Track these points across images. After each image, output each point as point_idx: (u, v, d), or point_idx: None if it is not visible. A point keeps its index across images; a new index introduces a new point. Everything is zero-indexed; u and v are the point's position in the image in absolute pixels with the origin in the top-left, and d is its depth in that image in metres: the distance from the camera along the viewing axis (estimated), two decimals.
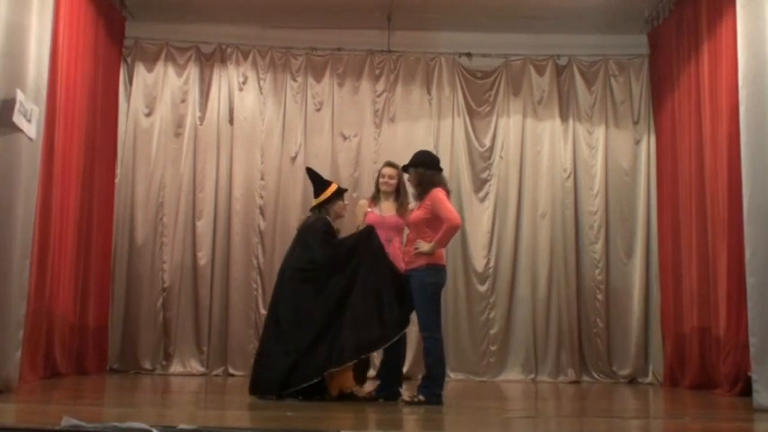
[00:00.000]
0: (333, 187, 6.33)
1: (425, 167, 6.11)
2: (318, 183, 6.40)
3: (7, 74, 5.64)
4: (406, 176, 6.35)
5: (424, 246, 5.88)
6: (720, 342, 7.17)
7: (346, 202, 6.47)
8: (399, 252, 6.21)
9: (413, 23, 9.22)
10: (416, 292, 5.92)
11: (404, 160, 9.10)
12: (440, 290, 6.03)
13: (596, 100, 9.44)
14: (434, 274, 5.94)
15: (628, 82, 9.43)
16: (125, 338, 8.94)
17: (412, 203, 6.32)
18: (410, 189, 6.33)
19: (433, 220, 5.94)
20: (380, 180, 6.46)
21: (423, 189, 6.03)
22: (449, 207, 6.00)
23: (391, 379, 6.16)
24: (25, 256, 6.02)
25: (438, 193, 5.99)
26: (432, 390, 5.85)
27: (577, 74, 9.49)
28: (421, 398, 5.83)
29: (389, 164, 6.60)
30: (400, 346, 6.15)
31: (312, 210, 6.39)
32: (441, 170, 6.23)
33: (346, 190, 6.55)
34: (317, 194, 6.35)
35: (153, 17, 9.20)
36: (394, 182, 6.40)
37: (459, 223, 6.07)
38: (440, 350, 5.94)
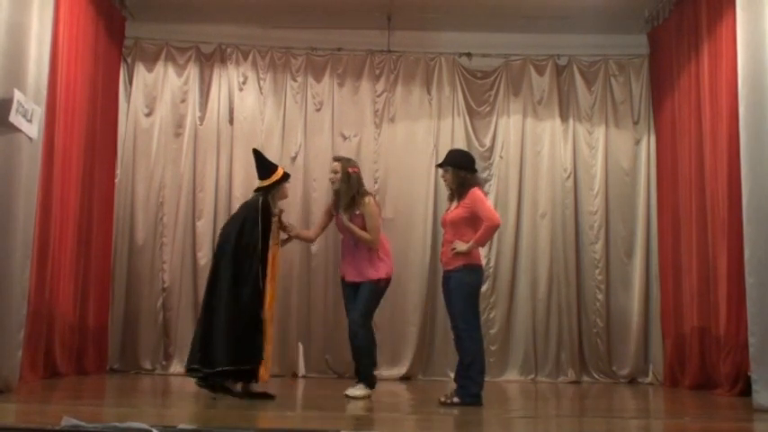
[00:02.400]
0: (280, 171, 6.34)
1: (466, 170, 6.18)
2: (265, 166, 6.39)
3: (7, 74, 5.64)
4: (440, 173, 6.41)
5: (462, 246, 5.97)
6: (720, 342, 7.17)
7: (289, 184, 6.59)
8: (354, 256, 6.38)
9: (413, 23, 9.21)
10: (454, 291, 6.00)
11: (404, 160, 9.30)
12: (478, 290, 6.16)
13: (596, 100, 9.44)
14: (472, 273, 6.05)
15: (628, 82, 9.42)
16: (125, 338, 8.94)
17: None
18: (446, 187, 6.38)
19: (473, 219, 6.04)
20: (329, 177, 6.64)
21: (463, 190, 6.11)
22: (489, 207, 6.20)
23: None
24: (26, 256, 6.01)
25: (478, 192, 6.13)
26: (469, 390, 5.85)
27: (577, 74, 9.48)
28: (455, 399, 5.84)
29: (335, 158, 6.78)
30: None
31: (256, 191, 6.34)
32: (476, 171, 6.35)
33: (290, 175, 6.60)
34: (262, 177, 6.32)
35: (153, 17, 9.20)
36: (336, 176, 6.48)
37: (498, 223, 6.14)
38: (477, 349, 5.94)
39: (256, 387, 6.03)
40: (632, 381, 8.96)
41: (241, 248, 5.98)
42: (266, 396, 5.96)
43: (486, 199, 6.27)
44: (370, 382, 6.36)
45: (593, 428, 4.90)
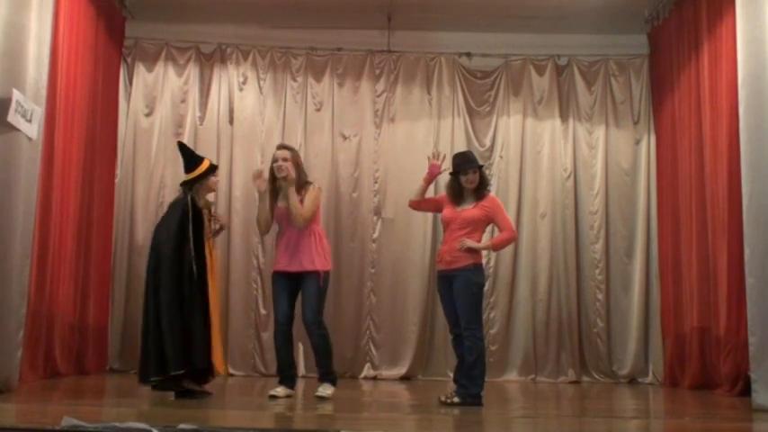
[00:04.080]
0: (206, 163, 6.23)
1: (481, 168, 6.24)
2: (190, 158, 6.28)
3: (7, 74, 5.64)
4: (469, 174, 6.15)
5: (473, 243, 5.95)
6: (720, 342, 7.17)
7: (218, 178, 6.39)
8: (293, 246, 6.14)
9: (413, 23, 9.22)
10: (461, 290, 5.93)
11: (404, 160, 9.28)
12: (483, 289, 6.13)
13: (596, 100, 9.44)
14: (480, 273, 6.03)
15: (628, 82, 9.43)
16: (125, 338, 8.94)
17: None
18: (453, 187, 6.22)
19: (487, 223, 6.12)
20: (273, 165, 6.28)
21: (482, 190, 6.12)
22: (509, 217, 6.30)
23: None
24: (25, 256, 6.02)
25: (498, 200, 6.25)
26: (469, 390, 5.82)
27: (577, 74, 9.49)
28: (456, 399, 5.82)
29: (282, 145, 6.47)
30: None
31: (182, 185, 6.25)
32: None
33: (217, 166, 6.45)
34: (188, 170, 6.21)
35: (153, 17, 9.20)
36: (286, 163, 6.21)
37: (517, 236, 6.28)
38: (481, 349, 5.92)
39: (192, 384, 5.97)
40: (632, 381, 8.96)
41: (176, 250, 5.88)
42: (204, 393, 5.92)
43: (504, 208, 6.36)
44: (334, 380, 6.24)
45: (593, 428, 4.89)
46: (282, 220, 6.27)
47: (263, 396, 6.24)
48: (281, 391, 6.12)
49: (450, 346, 8.07)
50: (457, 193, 6.17)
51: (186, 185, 6.17)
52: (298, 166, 6.29)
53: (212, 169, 6.24)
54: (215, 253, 6.24)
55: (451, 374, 8.33)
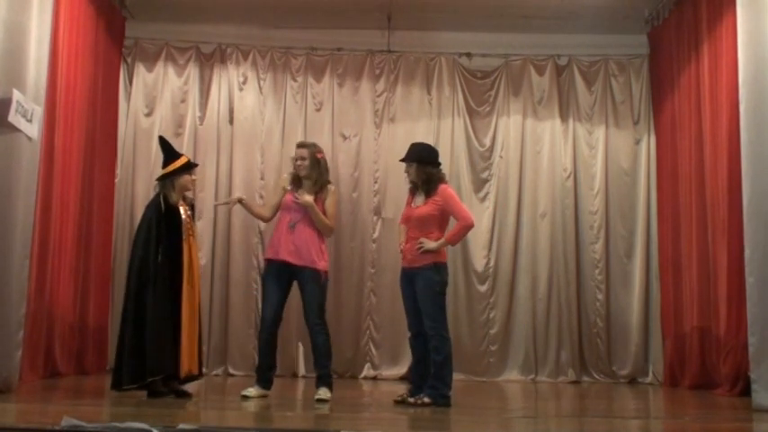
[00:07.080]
0: (182, 160, 6.15)
1: (432, 165, 6.04)
2: (169, 153, 6.20)
3: (7, 74, 5.64)
4: (404, 167, 6.17)
5: (431, 243, 5.84)
6: (720, 342, 7.17)
7: (194, 177, 6.26)
8: (296, 237, 6.10)
9: (413, 23, 9.22)
10: (423, 290, 5.86)
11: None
12: (445, 288, 6.00)
13: (596, 100, 9.44)
14: (441, 272, 5.91)
15: (628, 82, 9.43)
16: None
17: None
18: (406, 181, 6.24)
19: (442, 217, 5.93)
20: (295, 164, 6.36)
21: (431, 186, 5.97)
22: (463, 206, 6.08)
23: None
24: (25, 256, 6.02)
25: (450, 190, 6.01)
26: (439, 390, 5.75)
27: (577, 74, 9.49)
28: (426, 399, 5.73)
29: (300, 144, 6.54)
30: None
31: (157, 180, 6.18)
32: (440, 164, 6.17)
33: (197, 165, 6.46)
34: (165, 165, 6.14)
35: (153, 17, 9.20)
36: (304, 162, 6.25)
37: (473, 223, 5.99)
38: (448, 349, 5.84)
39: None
40: (632, 381, 8.96)
41: (148, 251, 5.82)
42: (184, 394, 5.89)
43: (457, 197, 6.19)
44: (331, 383, 6.14)
45: (593, 428, 4.90)
46: (289, 208, 6.20)
47: (263, 396, 6.23)
48: (253, 391, 6.07)
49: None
50: (412, 186, 6.12)
51: (159, 182, 6.12)
52: (318, 162, 6.27)
53: (186, 167, 6.12)
54: (194, 251, 6.08)
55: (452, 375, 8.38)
